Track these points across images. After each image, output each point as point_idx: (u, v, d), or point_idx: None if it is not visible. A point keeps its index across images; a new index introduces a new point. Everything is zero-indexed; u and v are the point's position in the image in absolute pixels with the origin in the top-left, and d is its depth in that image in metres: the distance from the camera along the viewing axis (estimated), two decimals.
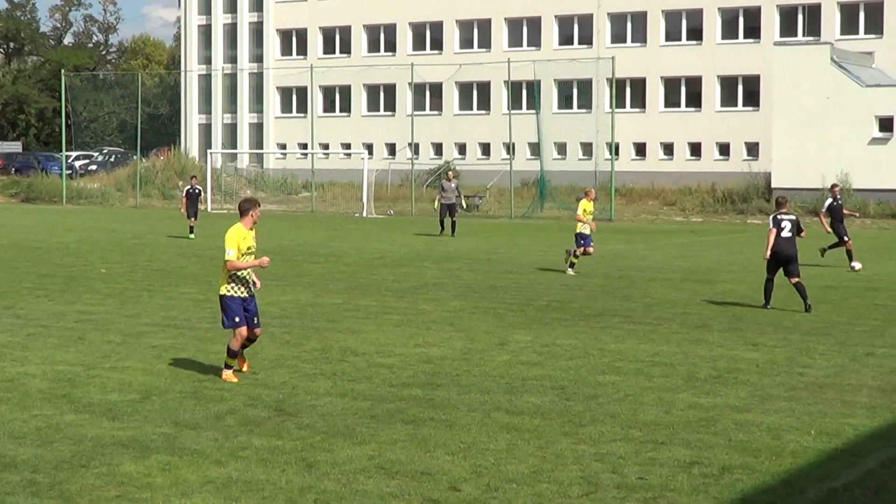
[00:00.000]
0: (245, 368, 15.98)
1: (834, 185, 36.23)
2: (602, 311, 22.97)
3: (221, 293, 15.63)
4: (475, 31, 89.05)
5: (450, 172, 53.79)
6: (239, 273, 15.47)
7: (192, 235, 42.81)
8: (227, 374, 15.53)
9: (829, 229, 34.07)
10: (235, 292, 15.51)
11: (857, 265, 32.08)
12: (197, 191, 45.15)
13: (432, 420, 13.25)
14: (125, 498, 10.26)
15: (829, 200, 34.40)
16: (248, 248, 15.48)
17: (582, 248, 30.75)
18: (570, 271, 30.29)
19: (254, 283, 15.78)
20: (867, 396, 14.90)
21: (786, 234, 23.47)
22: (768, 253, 23.61)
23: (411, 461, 11.50)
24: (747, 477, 11.08)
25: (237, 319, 15.48)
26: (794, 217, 23.77)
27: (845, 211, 34.97)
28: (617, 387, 15.28)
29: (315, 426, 12.92)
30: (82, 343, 18.51)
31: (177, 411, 13.60)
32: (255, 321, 15.76)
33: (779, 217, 23.63)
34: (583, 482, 10.83)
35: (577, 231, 31.00)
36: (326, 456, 11.66)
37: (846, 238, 33.50)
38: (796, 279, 23.48)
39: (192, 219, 43.89)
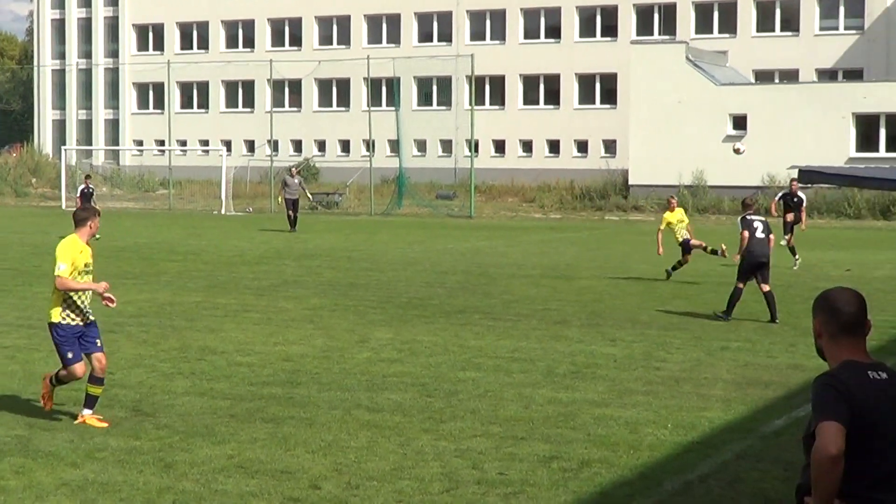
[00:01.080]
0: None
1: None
2: (462, 308, 23.04)
3: (51, 321, 12.80)
4: (335, 27, 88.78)
5: (293, 168, 53.60)
6: (73, 296, 12.74)
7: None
8: (45, 393, 13.32)
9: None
10: (71, 319, 12.73)
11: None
12: (90, 190, 45.00)
13: (292, 418, 13.16)
14: None
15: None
16: (86, 266, 12.84)
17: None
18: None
19: (111, 298, 13.02)
20: (722, 390, 15.17)
21: (759, 234, 21.94)
22: (737, 257, 22.36)
23: (271, 460, 11.41)
24: (605, 470, 11.20)
25: (70, 356, 12.72)
26: (763, 219, 22.55)
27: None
28: (477, 383, 15.33)
29: (173, 426, 12.75)
30: None
31: (31, 413, 13.32)
32: (98, 344, 12.86)
33: (749, 218, 22.25)
34: (443, 478, 10.84)
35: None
36: (185, 456, 11.52)
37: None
38: (767, 287, 22.03)
39: None
